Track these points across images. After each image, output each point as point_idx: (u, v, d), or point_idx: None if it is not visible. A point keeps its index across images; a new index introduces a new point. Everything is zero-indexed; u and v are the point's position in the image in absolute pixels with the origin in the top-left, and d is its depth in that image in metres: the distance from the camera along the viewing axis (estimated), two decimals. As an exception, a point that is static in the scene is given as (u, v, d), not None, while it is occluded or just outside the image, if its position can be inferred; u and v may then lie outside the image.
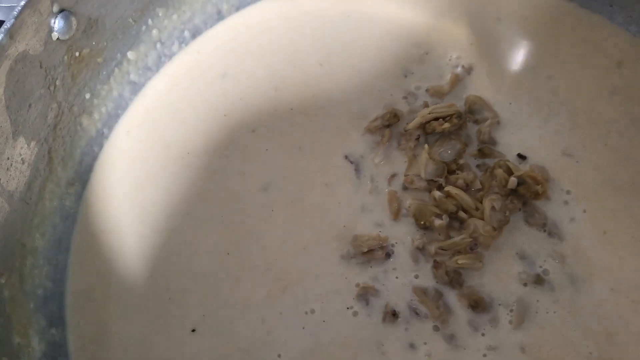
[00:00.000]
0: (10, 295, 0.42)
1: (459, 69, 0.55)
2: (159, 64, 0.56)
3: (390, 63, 0.56)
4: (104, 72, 0.52)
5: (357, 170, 0.51)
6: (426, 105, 0.52)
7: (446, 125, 0.51)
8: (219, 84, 0.55)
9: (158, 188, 0.52)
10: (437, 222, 0.48)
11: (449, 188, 0.49)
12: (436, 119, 0.51)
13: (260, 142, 0.53)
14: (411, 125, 0.51)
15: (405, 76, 0.55)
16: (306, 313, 0.47)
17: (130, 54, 0.54)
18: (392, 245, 0.49)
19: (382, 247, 0.48)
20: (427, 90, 0.54)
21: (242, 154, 0.52)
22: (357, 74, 0.55)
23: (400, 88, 0.55)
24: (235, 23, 0.58)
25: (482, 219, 0.48)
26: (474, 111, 0.53)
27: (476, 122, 0.52)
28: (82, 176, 0.51)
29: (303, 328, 0.46)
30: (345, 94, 0.54)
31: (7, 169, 0.43)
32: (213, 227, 0.50)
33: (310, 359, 0.45)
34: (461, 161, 0.51)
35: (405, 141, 0.51)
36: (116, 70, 0.53)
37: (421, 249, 0.48)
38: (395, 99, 0.54)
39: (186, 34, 0.57)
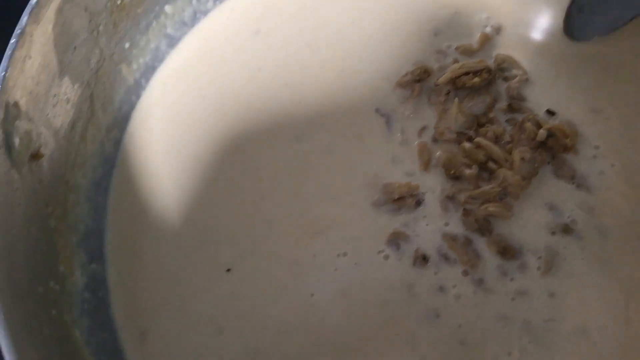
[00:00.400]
0: (55, 225, 0.44)
1: (488, 29, 0.56)
2: (194, 20, 0.58)
3: (420, 22, 0.56)
4: (143, 23, 0.54)
5: (388, 122, 0.52)
6: (456, 61, 0.53)
7: (476, 79, 0.51)
8: (252, 40, 0.57)
9: (194, 137, 0.53)
10: (467, 171, 0.49)
11: (478, 139, 0.50)
12: (466, 73, 0.52)
13: (293, 95, 0.54)
14: (442, 79, 0.52)
15: (435, 35, 0.56)
16: (338, 256, 0.48)
17: (167, 8, 0.55)
18: (423, 194, 0.49)
19: (412, 195, 0.49)
20: (456, 49, 0.55)
21: (275, 106, 0.54)
22: (388, 32, 0.56)
23: (430, 46, 0.55)
24: (270, -20, 0.59)
25: (511, 170, 0.49)
26: (503, 69, 0.54)
27: (505, 79, 0.53)
28: (121, 123, 0.53)
29: (335, 270, 0.47)
30: (376, 51, 0.55)
31: (54, 105, 0.45)
32: (248, 173, 0.51)
33: (342, 299, 0.46)
34: (491, 115, 0.51)
35: (435, 96, 0.52)
36: (154, 22, 0.55)
37: (451, 198, 0.49)
38: (425, 57, 0.55)
39: (221, -9, 0.59)
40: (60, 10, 0.43)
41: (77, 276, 0.45)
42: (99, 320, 0.45)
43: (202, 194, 0.51)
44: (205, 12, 0.58)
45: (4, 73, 0.38)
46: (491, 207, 0.48)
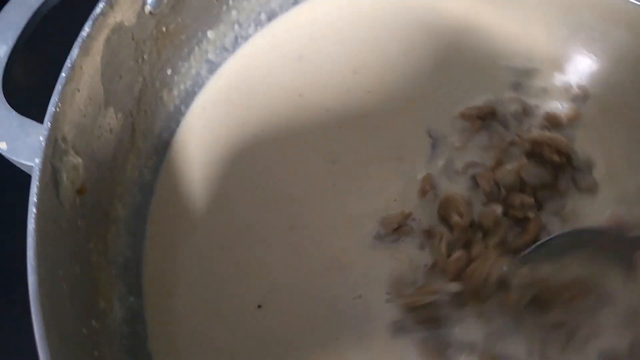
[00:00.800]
0: (97, 260, 0.43)
1: (577, 102, 0.52)
2: (235, 45, 0.57)
3: (487, 66, 0.54)
4: (185, 50, 0.53)
5: (434, 146, 0.51)
6: (544, 127, 0.50)
7: (556, 158, 0.48)
8: (295, 66, 0.55)
9: (232, 163, 0.52)
10: (455, 217, 0.46)
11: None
12: (549, 145, 0.48)
13: (335, 120, 0.53)
14: (526, 135, 0.49)
15: (512, 86, 0.53)
16: (354, 299, 0.46)
17: (210, 33, 0.54)
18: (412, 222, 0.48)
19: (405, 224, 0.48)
20: (545, 116, 0.51)
21: (315, 130, 0.52)
22: (447, 69, 0.54)
23: (502, 92, 0.52)
24: (313, 7, 0.58)
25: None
26: (579, 168, 0.49)
27: (574, 180, 0.49)
28: (160, 150, 0.52)
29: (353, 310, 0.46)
30: (434, 81, 0.53)
31: (98, 137, 0.44)
32: (283, 203, 0.50)
33: (369, 342, 0.45)
34: (540, 193, 0.48)
35: (499, 140, 0.50)
36: (196, 48, 0.54)
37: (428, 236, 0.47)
38: (498, 102, 0.52)
39: (262, 16, 0.58)
40: (108, 40, 0.43)
41: (116, 311, 0.44)
42: (136, 357, 0.44)
43: (238, 222, 0.50)
44: (246, 37, 0.57)
45: (54, 109, 0.38)
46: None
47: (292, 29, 0.58)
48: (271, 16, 0.58)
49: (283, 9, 0.59)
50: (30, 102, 0.42)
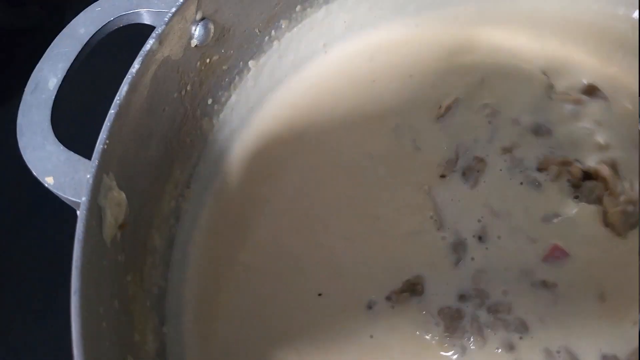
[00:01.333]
0: (133, 293, 0.43)
1: None
2: (273, 75, 0.57)
3: None
4: (227, 79, 0.53)
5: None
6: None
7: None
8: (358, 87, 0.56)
9: (278, 179, 0.52)
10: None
11: None
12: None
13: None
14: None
15: None
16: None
17: (251, 63, 0.54)
18: None
19: None
20: None
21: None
22: None
23: None
24: (364, 38, 0.59)
25: None
26: None
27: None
28: (197, 179, 0.52)
29: None
30: None
31: (140, 169, 0.44)
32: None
33: None
34: None
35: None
36: (237, 77, 0.54)
37: None
38: None
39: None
40: (155, 75, 0.43)
41: (149, 343, 0.44)
42: (167, 390, 0.44)
43: (283, 247, 0.50)
44: (286, 66, 0.57)
45: (102, 146, 0.38)
46: None
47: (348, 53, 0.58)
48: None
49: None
50: (76, 133, 0.42)
